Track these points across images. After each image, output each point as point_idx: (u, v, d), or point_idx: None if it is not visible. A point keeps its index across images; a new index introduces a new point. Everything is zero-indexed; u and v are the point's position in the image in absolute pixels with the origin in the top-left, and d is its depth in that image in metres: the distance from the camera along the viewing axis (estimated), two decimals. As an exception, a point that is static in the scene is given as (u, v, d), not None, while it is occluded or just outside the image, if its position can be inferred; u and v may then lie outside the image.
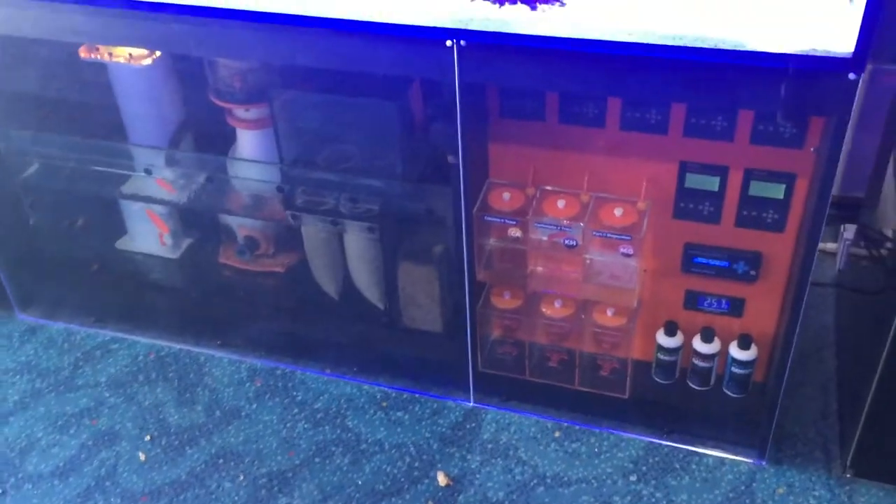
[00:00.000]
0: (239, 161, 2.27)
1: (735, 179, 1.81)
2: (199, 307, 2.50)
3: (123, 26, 1.88)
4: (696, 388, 2.09)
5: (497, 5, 1.66)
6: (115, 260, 2.57)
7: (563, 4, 1.65)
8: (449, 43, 1.66)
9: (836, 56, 1.45)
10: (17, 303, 2.57)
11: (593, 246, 1.91)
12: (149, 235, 2.53)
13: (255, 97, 2.18)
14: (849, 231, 2.01)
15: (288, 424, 2.22)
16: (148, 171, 2.29)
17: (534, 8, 1.64)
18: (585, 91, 1.77)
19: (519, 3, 1.65)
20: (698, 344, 2.03)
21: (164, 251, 2.55)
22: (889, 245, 2.48)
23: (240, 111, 2.22)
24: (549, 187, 1.96)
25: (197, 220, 2.53)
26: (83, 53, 2.23)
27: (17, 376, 2.39)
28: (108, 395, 2.32)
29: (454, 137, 1.81)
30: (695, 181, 1.84)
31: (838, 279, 2.49)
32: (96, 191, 2.42)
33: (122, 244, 2.58)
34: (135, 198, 2.41)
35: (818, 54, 1.46)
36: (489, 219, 1.94)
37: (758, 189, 1.80)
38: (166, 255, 2.55)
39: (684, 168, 1.84)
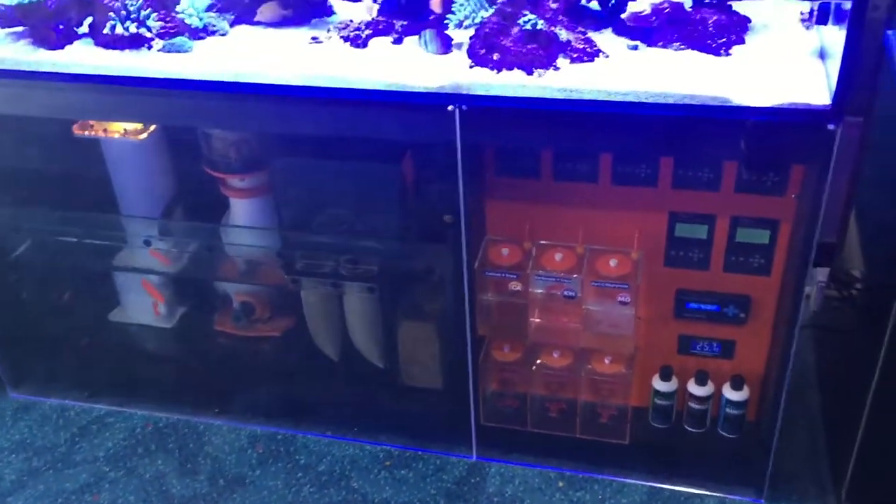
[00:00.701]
0: (235, 228, 2.31)
1: (722, 227, 1.92)
2: (196, 375, 2.50)
3: (121, 102, 1.94)
4: (693, 430, 2.16)
5: (495, 71, 1.77)
6: (109, 332, 2.57)
7: (556, 69, 1.76)
8: (451, 108, 1.75)
9: (815, 108, 1.58)
10: (8, 381, 2.54)
11: (591, 296, 1.99)
12: (143, 306, 2.54)
13: (250, 166, 2.24)
14: (822, 273, 2.13)
15: (293, 489, 2.22)
16: (147, 243, 2.32)
17: (530, 73, 1.75)
18: (580, 148, 1.87)
19: (516, 68, 1.76)
20: (693, 387, 2.11)
21: (158, 321, 2.56)
22: (858, 286, 2.62)
23: (234, 181, 2.28)
24: (545, 242, 2.04)
25: (192, 287, 2.55)
26: (77, 130, 2.27)
27: (13, 455, 2.35)
28: (107, 469, 2.30)
29: (453, 196, 1.89)
30: (684, 230, 1.94)
31: (814, 320, 2.60)
32: (89, 264, 2.43)
33: (116, 316, 2.59)
34: (129, 269, 2.43)
35: (798, 107, 1.59)
36: (490, 274, 2.01)
37: (744, 235, 1.91)
38: (161, 325, 2.56)
39: (674, 218, 1.94)
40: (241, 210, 2.35)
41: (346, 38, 1.90)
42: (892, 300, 1.74)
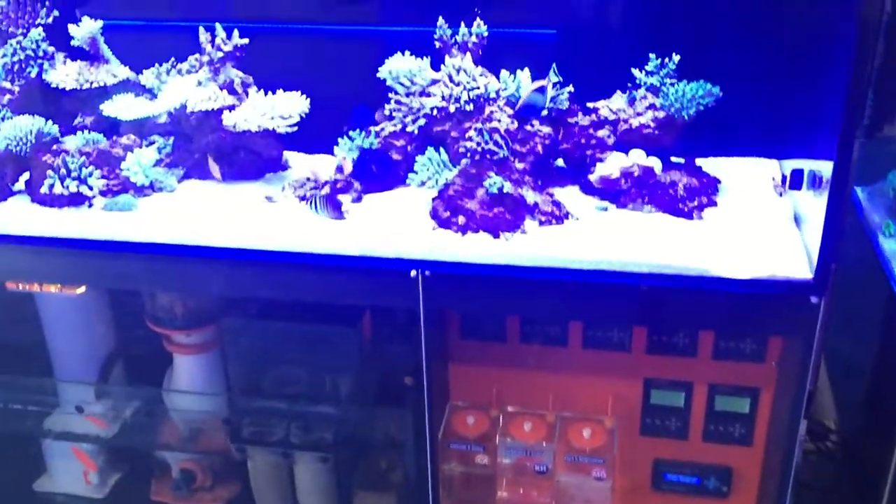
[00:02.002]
0: (178, 391, 2.14)
1: (700, 394, 1.81)
2: (129, 552, 2.26)
3: (58, 264, 1.80)
4: None
5: (460, 234, 1.68)
6: (33, 503, 2.33)
7: (524, 232, 1.68)
8: (413, 273, 1.64)
9: (797, 281, 1.51)
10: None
11: (564, 469, 1.85)
12: (72, 473, 2.32)
13: (196, 322, 2.10)
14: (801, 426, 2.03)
15: None
16: (79, 410, 2.13)
17: (496, 236, 1.67)
18: (548, 316, 1.77)
19: (481, 231, 1.68)
20: (674, 563, 1.95)
21: (88, 490, 2.32)
22: (833, 438, 2.52)
23: (179, 337, 2.13)
24: (512, 408, 1.91)
25: (127, 452, 2.34)
26: (9, 284, 2.11)
27: None
28: None
29: (414, 360, 1.76)
30: (660, 397, 1.83)
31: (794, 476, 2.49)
32: (15, 429, 2.22)
33: (42, 485, 2.35)
34: (60, 436, 2.22)
35: (779, 280, 1.52)
36: (455, 447, 1.86)
37: (723, 404, 1.80)
38: (91, 495, 2.32)
39: (649, 384, 1.83)
40: (186, 367, 2.18)
41: (302, 198, 1.81)
42: (878, 456, 1.64)
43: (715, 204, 1.73)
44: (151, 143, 1.91)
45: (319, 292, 1.73)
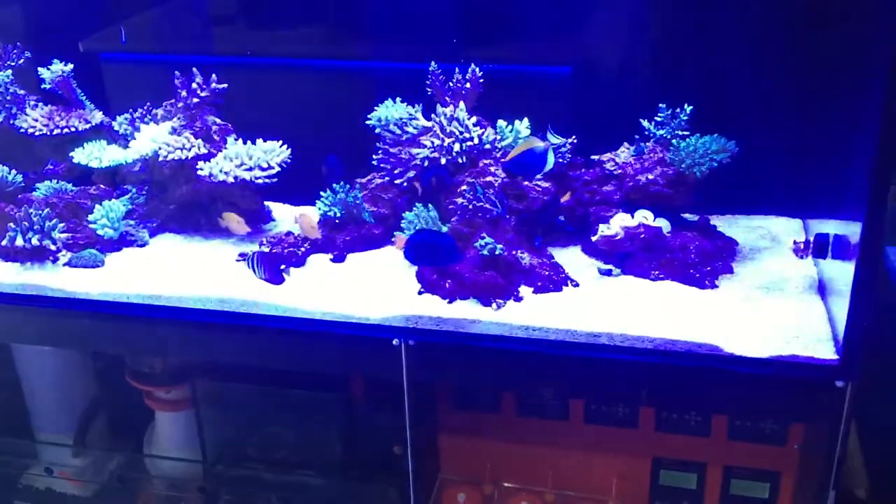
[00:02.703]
0: (156, 456, 2.02)
1: (714, 477, 1.64)
2: None
3: (18, 322, 1.69)
4: None
5: (446, 301, 1.54)
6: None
7: (518, 299, 1.53)
8: (396, 342, 1.50)
9: (822, 362, 1.34)
10: None
11: (564, 556, 1.69)
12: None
13: (177, 379, 1.97)
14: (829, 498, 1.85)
15: None
16: (48, 471, 2.00)
17: (487, 304, 1.52)
18: (543, 393, 1.62)
19: (471, 298, 1.53)
20: None
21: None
22: (865, 512, 2.32)
23: (160, 393, 2.00)
24: (508, 484, 1.75)
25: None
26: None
27: None
28: None
29: (402, 431, 1.62)
30: (670, 478, 1.67)
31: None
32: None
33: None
34: (35, 496, 2.09)
35: (800, 359, 1.35)
36: (444, 528, 1.71)
37: (739, 488, 1.63)
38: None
39: (658, 464, 1.66)
40: (167, 424, 2.06)
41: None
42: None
43: (731, 270, 1.57)
44: (125, 193, 1.79)
45: (295, 358, 1.59)
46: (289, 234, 1.72)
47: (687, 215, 1.67)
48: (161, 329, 1.61)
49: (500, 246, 1.52)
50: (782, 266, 1.60)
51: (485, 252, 1.52)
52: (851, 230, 1.36)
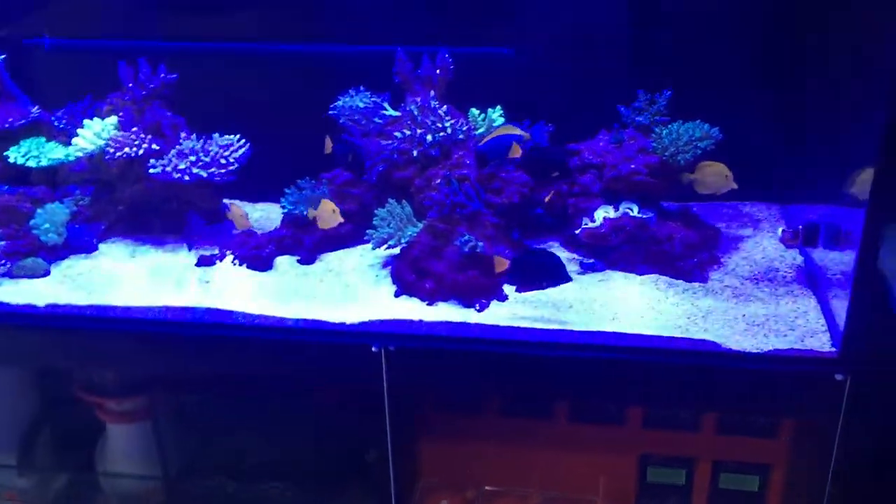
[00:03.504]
0: (109, 474, 1.89)
1: (703, 472, 1.60)
2: None
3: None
4: None
5: (426, 303, 1.45)
6: None
7: (502, 298, 1.46)
8: (375, 349, 1.41)
9: (820, 354, 1.30)
10: None
11: (551, 560, 1.63)
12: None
13: (134, 388, 1.84)
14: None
15: None
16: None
17: (469, 305, 1.44)
18: (530, 395, 1.55)
19: (452, 299, 1.45)
20: None
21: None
22: None
23: (112, 404, 1.87)
24: (491, 487, 1.69)
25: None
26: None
27: None
28: None
29: (378, 432, 1.53)
30: (658, 475, 1.62)
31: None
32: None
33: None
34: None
35: (799, 352, 1.31)
36: (426, 537, 1.63)
37: (729, 482, 1.59)
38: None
39: (645, 461, 1.62)
40: (119, 437, 1.93)
41: (241, 259, 1.56)
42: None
43: (718, 261, 1.53)
44: (67, 194, 1.65)
45: (265, 368, 1.49)
46: (250, 233, 1.61)
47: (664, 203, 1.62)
48: (118, 341, 1.49)
49: (480, 244, 1.44)
50: (767, 255, 1.56)
51: (465, 249, 1.44)
52: (835, 217, 1.34)
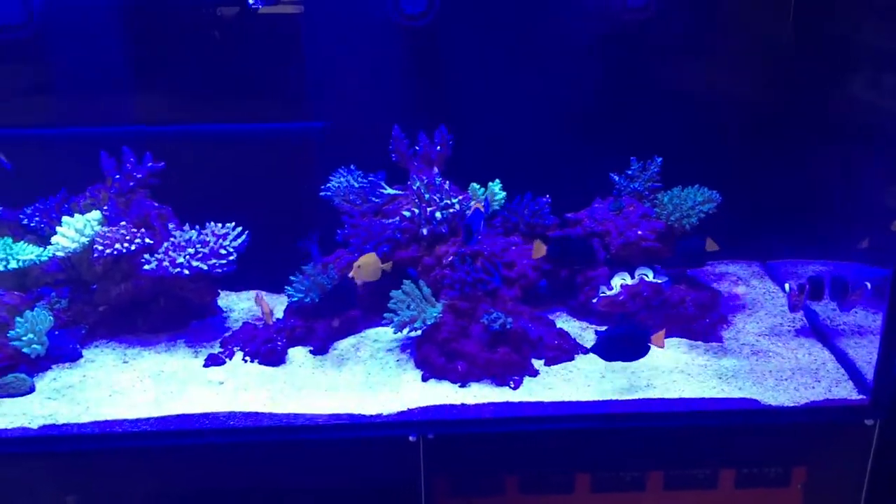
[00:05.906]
0: None
1: (723, 525, 1.63)
2: None
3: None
4: None
5: (458, 385, 1.41)
6: None
7: (534, 375, 1.44)
8: (412, 438, 1.35)
9: (850, 401, 1.37)
10: None
11: None
12: None
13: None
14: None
15: None
16: None
17: (502, 383, 1.41)
18: (564, 469, 1.53)
19: (485, 379, 1.42)
20: None
21: None
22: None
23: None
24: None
25: None
26: None
27: None
28: None
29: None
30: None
31: None
32: None
33: None
34: None
35: (833, 401, 1.37)
36: None
37: (749, 533, 1.63)
38: None
39: (668, 522, 1.62)
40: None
41: (253, 355, 1.46)
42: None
43: (727, 320, 1.58)
44: (41, 297, 1.49)
45: (281, 471, 1.39)
46: (258, 326, 1.51)
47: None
48: (131, 461, 1.33)
49: (509, 319, 1.43)
50: (769, 311, 1.63)
51: (496, 326, 1.42)
52: (822, 269, 1.42)
